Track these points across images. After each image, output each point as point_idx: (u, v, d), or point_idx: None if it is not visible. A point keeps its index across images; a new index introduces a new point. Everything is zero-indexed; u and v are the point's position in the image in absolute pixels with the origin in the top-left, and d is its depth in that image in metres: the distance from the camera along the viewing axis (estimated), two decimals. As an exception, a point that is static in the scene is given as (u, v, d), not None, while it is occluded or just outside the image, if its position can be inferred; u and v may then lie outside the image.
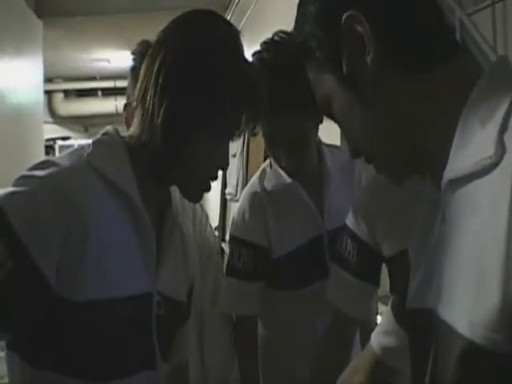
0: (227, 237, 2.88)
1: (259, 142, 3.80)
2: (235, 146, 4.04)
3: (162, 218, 1.12)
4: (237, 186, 4.17)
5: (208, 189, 1.11)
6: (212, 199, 5.09)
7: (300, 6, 0.79)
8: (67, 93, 8.67)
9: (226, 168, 1.11)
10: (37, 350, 0.99)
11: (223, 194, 4.74)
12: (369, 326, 1.79)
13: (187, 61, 1.02)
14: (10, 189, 0.95)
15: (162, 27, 1.09)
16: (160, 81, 1.02)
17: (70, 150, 1.07)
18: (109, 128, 1.10)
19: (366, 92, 0.73)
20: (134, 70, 1.54)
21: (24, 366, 1.00)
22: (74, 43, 6.32)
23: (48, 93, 7.90)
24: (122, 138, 1.09)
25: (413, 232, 0.88)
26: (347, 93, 0.74)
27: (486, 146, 0.60)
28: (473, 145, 0.63)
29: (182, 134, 1.03)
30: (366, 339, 1.68)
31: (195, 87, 1.02)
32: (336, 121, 0.80)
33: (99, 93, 8.58)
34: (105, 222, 0.99)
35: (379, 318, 1.91)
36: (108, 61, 7.21)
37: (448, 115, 0.68)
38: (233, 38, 1.07)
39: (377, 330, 1.11)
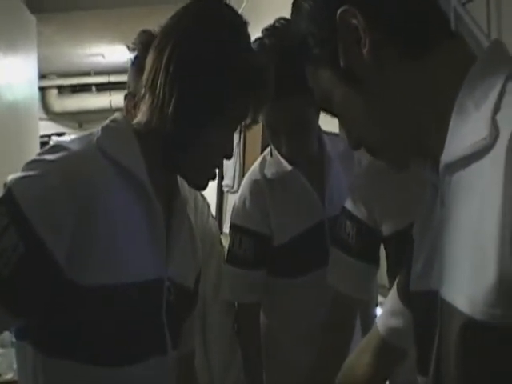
0: (224, 229, 2.89)
1: (256, 134, 3.80)
2: (232, 138, 4.03)
3: (171, 205, 1.13)
4: (234, 177, 4.17)
5: (213, 177, 1.13)
6: (209, 191, 5.09)
7: (294, 4, 0.81)
8: (61, 89, 8.63)
9: (231, 156, 1.13)
10: (48, 337, 1.00)
11: (220, 185, 4.73)
12: (370, 318, 1.81)
13: (197, 50, 1.03)
14: (20, 173, 0.95)
15: (157, 21, 1.10)
16: (170, 70, 1.02)
17: (78, 135, 1.07)
18: (117, 115, 1.11)
19: (364, 83, 0.74)
20: (136, 60, 1.54)
21: (36, 354, 1.00)
22: (68, 38, 6.30)
23: (42, 89, 7.86)
24: (131, 124, 1.09)
25: (416, 216, 0.90)
26: (346, 86, 0.76)
27: (480, 128, 0.62)
28: (468, 127, 0.64)
29: (193, 123, 1.04)
30: (367, 331, 1.71)
31: (205, 76, 1.02)
32: (336, 115, 0.82)
33: (93, 88, 8.55)
34: (115, 207, 1.00)
35: (379, 311, 1.92)
36: (102, 56, 7.19)
37: (445, 99, 0.69)
38: (241, 28, 1.09)
39: (383, 310, 1.12)
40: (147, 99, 1.07)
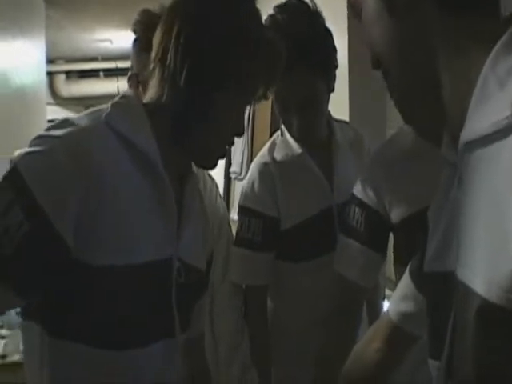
0: (231, 215, 2.89)
1: (265, 121, 3.78)
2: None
3: (183, 184, 1.11)
4: (241, 164, 4.15)
5: (223, 156, 1.12)
6: (216, 178, 5.08)
7: None
8: (69, 74, 8.62)
9: (242, 134, 1.11)
10: (55, 318, 0.99)
11: (227, 172, 4.71)
12: (376, 311, 1.82)
13: (207, 22, 1.02)
14: (27, 148, 0.93)
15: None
16: (181, 41, 1.01)
17: (88, 110, 1.05)
18: (127, 91, 1.09)
19: (398, 6, 0.71)
20: (137, 40, 1.55)
21: (42, 334, 0.99)
22: (77, 23, 6.27)
23: (50, 74, 7.85)
24: (141, 101, 1.07)
25: (427, 200, 0.88)
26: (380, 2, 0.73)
27: (504, 107, 0.60)
28: (490, 106, 0.62)
29: (205, 94, 1.02)
30: (373, 322, 1.70)
31: (216, 47, 1.01)
32: (363, 24, 0.79)
33: (101, 74, 8.54)
34: (123, 185, 0.98)
35: (386, 304, 1.91)
36: (110, 41, 7.16)
37: (469, 69, 0.67)
38: (250, 1, 1.08)
39: (394, 296, 1.11)
40: (157, 72, 1.05)
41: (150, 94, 1.07)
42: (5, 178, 0.93)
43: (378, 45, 0.77)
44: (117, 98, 1.07)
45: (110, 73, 8.28)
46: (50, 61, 7.07)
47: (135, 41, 1.59)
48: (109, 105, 1.04)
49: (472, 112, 0.65)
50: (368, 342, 1.16)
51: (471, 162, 0.65)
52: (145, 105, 1.06)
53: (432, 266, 0.79)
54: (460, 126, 0.66)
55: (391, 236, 1.51)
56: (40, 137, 0.95)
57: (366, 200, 1.46)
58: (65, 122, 0.97)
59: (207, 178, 1.83)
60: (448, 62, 0.70)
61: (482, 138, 0.62)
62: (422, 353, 0.88)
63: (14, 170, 0.91)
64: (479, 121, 0.63)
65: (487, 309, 0.58)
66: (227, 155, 4.53)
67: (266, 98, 1.13)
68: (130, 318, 1.00)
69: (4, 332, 2.69)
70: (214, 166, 1.13)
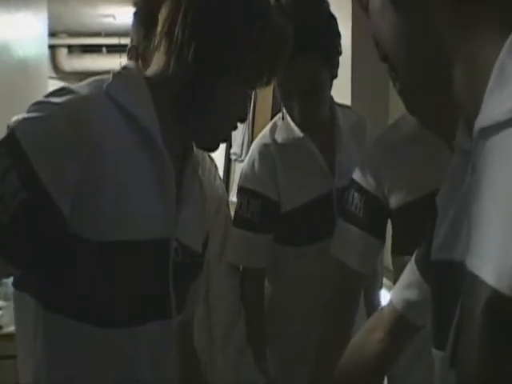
0: (231, 197, 2.89)
1: (266, 103, 3.77)
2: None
3: (184, 165, 1.09)
4: (242, 145, 4.13)
5: (225, 139, 1.11)
6: (216, 159, 5.05)
7: None
8: (71, 48, 8.58)
9: (245, 119, 1.10)
10: (50, 291, 0.97)
11: (228, 154, 4.70)
12: (374, 301, 1.82)
13: (212, 10, 1.00)
14: (25, 114, 0.91)
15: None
16: (188, 20, 0.99)
17: (89, 79, 1.02)
18: (129, 63, 1.07)
19: (403, 0, 0.70)
20: (138, 13, 1.54)
21: (38, 308, 0.98)
22: (80, -3, 6.23)
23: (52, 48, 7.80)
24: (143, 73, 1.05)
25: (428, 186, 0.88)
26: None
27: None
28: (508, 92, 0.60)
29: (210, 74, 1.01)
30: (372, 314, 1.70)
31: (223, 29, 1.00)
32: (370, 18, 0.77)
33: (104, 49, 8.49)
34: (123, 156, 0.96)
35: (383, 293, 1.91)
36: (113, 17, 7.11)
37: (484, 58, 0.66)
38: None
39: (397, 284, 1.09)
40: (163, 45, 1.02)
41: (154, 67, 1.05)
42: (1, 143, 0.91)
43: (385, 40, 0.75)
44: (119, 69, 1.04)
45: (113, 49, 8.23)
46: (53, 34, 7.02)
47: (135, 13, 1.58)
48: (111, 75, 1.01)
49: (488, 98, 0.63)
50: (369, 333, 1.14)
51: (485, 149, 0.62)
52: (147, 78, 1.04)
53: (439, 255, 0.78)
54: (475, 113, 0.64)
55: (389, 225, 1.52)
56: (38, 103, 0.93)
57: (365, 185, 1.46)
58: (64, 90, 0.95)
59: (206, 158, 1.82)
60: (459, 49, 0.68)
61: (499, 124, 0.60)
62: (421, 344, 0.88)
63: (11, 136, 0.89)
64: (495, 107, 0.61)
65: (497, 300, 0.56)
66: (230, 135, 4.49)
67: (269, 84, 1.12)
68: (125, 296, 0.98)
69: (0, 303, 2.69)
70: (215, 148, 1.12)
